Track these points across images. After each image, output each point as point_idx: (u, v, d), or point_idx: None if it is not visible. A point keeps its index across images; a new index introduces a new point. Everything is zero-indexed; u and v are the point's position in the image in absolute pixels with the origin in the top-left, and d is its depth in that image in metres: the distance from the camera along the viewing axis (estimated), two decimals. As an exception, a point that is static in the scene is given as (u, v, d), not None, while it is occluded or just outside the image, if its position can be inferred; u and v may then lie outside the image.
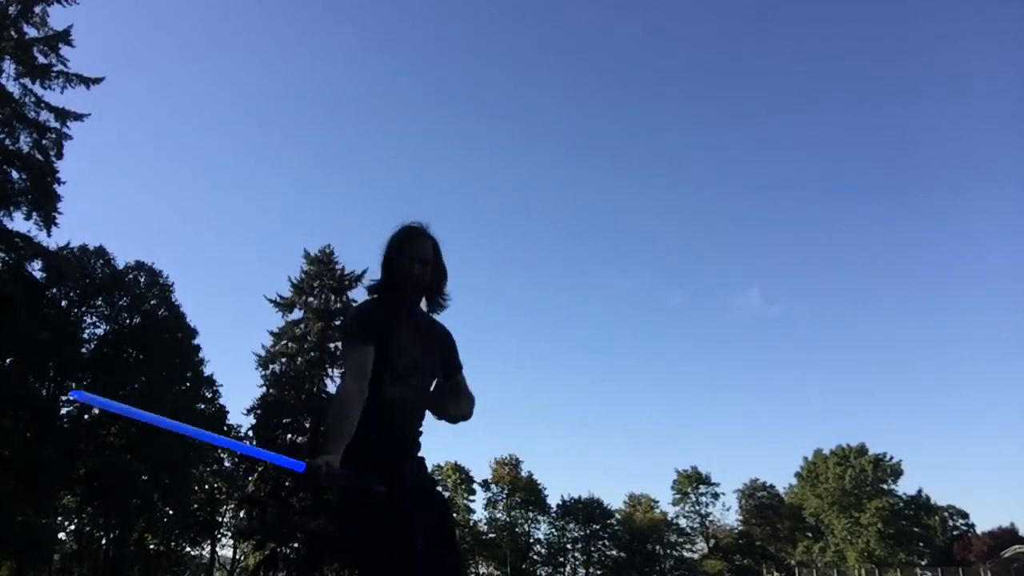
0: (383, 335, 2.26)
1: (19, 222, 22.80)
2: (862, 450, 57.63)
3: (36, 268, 24.21)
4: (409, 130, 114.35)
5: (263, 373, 36.98)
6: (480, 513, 61.31)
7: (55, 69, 22.66)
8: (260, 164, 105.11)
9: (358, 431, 2.09)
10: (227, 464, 38.00)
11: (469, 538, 58.32)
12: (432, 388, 2.42)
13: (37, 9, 22.50)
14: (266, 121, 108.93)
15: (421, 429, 2.38)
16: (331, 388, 37.57)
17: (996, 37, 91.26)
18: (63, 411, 28.74)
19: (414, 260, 2.32)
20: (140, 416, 1.96)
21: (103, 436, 29.72)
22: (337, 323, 38.17)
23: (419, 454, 2.38)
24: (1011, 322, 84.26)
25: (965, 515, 60.10)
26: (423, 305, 2.47)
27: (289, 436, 36.32)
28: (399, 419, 2.28)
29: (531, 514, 60.01)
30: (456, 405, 2.42)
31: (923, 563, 53.17)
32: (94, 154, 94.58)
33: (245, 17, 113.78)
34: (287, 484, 34.78)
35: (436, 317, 2.51)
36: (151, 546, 34.81)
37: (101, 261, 30.42)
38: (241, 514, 36.93)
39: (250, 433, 36.62)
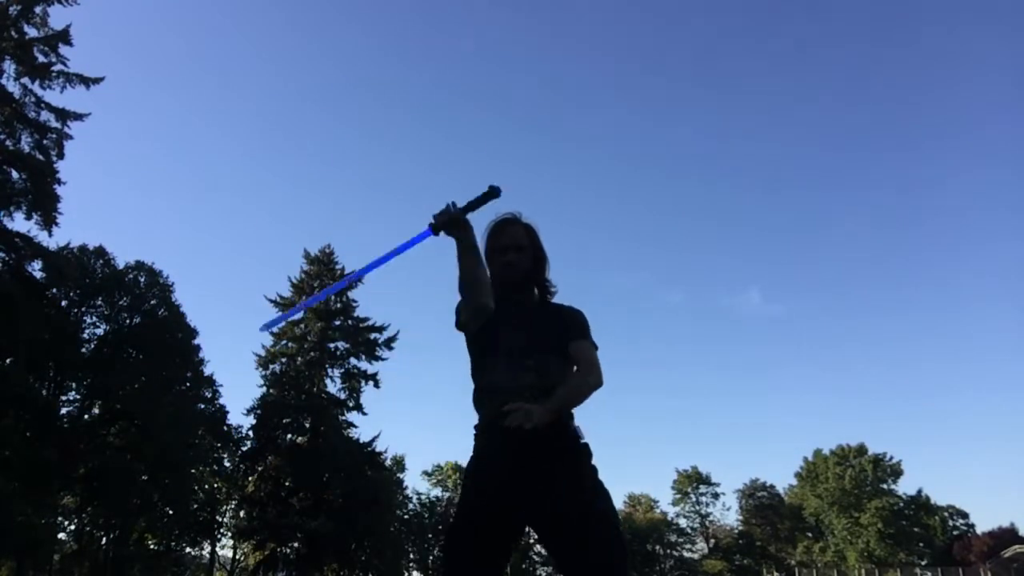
0: (482, 324, 2.33)
1: (19, 222, 22.85)
2: (862, 450, 57.67)
3: (36, 268, 24.22)
4: (409, 129, 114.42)
5: (263, 373, 37.03)
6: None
7: (55, 69, 22.66)
8: (260, 163, 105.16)
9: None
10: (227, 464, 38.02)
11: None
12: (544, 371, 2.29)
13: (37, 9, 22.49)
14: (266, 120, 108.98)
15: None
16: (331, 388, 37.63)
17: (997, 29, 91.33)
18: (63, 411, 28.76)
19: (495, 251, 2.41)
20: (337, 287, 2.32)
21: (103, 436, 29.70)
22: (337, 323, 38.21)
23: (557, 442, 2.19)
24: (1012, 321, 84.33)
25: (965, 515, 60.17)
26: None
27: (289, 436, 36.34)
28: (495, 405, 2.24)
29: (531, 514, 60.02)
30: (565, 385, 2.23)
31: (923, 563, 53.20)
32: (94, 154, 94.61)
33: (245, 16, 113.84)
34: (287, 484, 34.80)
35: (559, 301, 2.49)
36: (151, 546, 34.77)
37: (101, 261, 30.40)
38: (241, 514, 36.93)
39: (250, 433, 36.66)
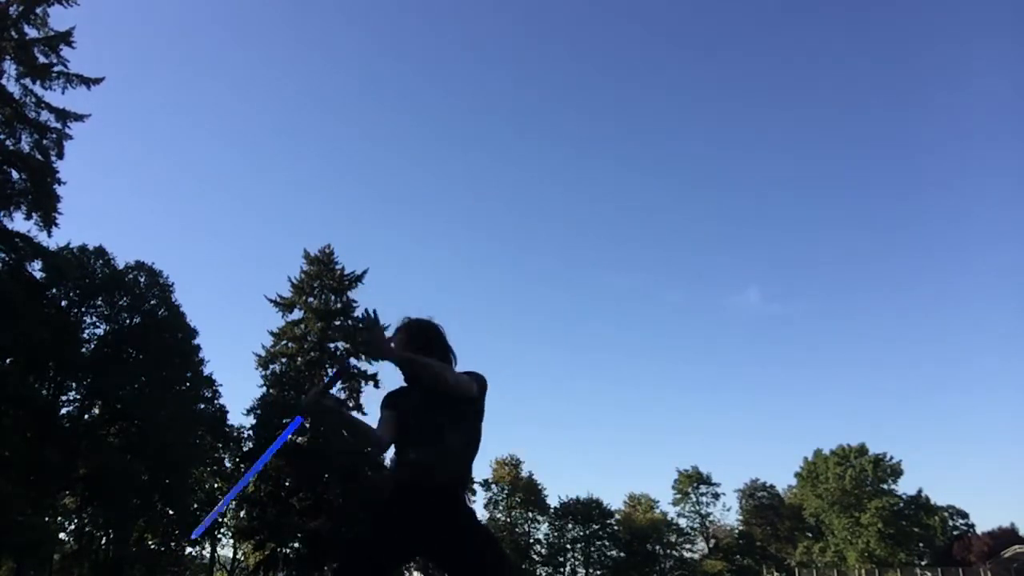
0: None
1: (19, 222, 22.85)
2: (862, 450, 57.56)
3: (36, 268, 24.26)
4: (409, 129, 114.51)
5: (263, 373, 37.04)
6: (480, 513, 61.20)
7: (56, 69, 22.68)
8: (260, 164, 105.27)
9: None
10: (227, 464, 38.03)
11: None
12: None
13: (38, 10, 22.51)
14: (266, 121, 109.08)
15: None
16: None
17: (996, 33, 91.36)
18: (63, 411, 28.76)
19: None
20: None
21: (103, 436, 29.69)
22: (337, 323, 38.17)
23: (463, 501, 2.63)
24: (1011, 322, 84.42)
25: (965, 515, 60.09)
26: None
27: (289, 436, 36.33)
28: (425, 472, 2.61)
29: (531, 514, 59.97)
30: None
31: (923, 563, 53.13)
32: (94, 154, 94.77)
33: (246, 17, 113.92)
34: (287, 484, 34.80)
35: None
36: (151, 546, 34.78)
37: (101, 261, 30.41)
38: (241, 514, 36.95)
39: (250, 433, 36.65)
